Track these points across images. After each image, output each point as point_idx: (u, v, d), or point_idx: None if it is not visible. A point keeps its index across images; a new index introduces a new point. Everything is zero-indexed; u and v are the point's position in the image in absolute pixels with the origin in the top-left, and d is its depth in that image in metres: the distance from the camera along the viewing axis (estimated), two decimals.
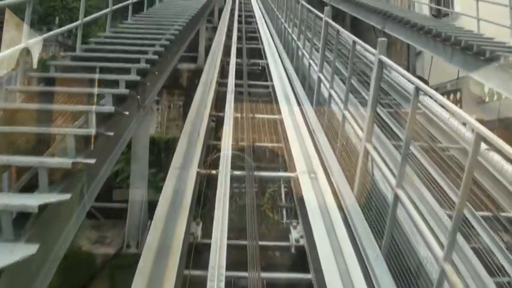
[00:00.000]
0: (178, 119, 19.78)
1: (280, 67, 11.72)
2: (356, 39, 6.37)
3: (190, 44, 12.17)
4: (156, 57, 6.19)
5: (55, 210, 3.41)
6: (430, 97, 4.78)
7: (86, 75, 5.27)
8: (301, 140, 7.09)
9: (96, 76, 5.12)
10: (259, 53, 14.19)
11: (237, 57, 12.72)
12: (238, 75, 10.98)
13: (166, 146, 14.19)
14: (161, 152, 14.12)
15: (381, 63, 5.25)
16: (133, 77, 5.27)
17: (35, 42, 5.15)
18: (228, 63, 12.19)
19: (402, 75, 5.20)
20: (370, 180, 5.63)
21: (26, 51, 5.04)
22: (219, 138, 7.53)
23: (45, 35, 5.71)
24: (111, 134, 4.48)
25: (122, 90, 4.97)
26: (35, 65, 7.41)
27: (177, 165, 5.81)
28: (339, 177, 6.00)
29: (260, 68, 13.01)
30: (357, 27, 21.63)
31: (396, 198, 4.39)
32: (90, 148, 4.10)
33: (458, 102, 12.85)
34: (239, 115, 7.88)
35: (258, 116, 7.94)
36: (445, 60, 10.68)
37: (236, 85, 10.01)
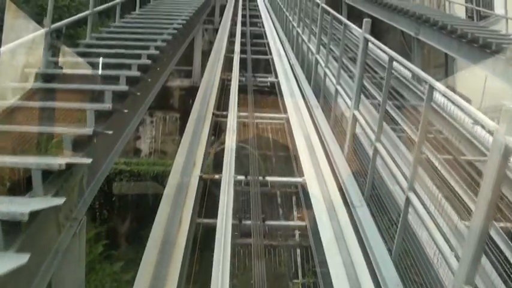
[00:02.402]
0: (174, 133, 17.47)
1: (296, 88, 9.25)
2: (436, 83, 3.94)
3: (181, 57, 9.76)
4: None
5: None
6: None
7: None
8: (338, 232, 4.67)
9: None
10: (267, 65, 11.73)
11: (240, 73, 10.25)
12: (242, 99, 8.52)
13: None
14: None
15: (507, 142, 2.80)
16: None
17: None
18: (229, 80, 9.74)
19: None
20: None
21: None
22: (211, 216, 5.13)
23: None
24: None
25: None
26: None
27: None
28: None
29: (269, 85, 10.58)
30: (375, 28, 19.10)
31: None
32: None
33: None
34: (243, 178, 5.45)
35: (270, 179, 5.50)
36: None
37: (239, 117, 7.57)
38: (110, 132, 3.98)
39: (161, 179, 10.74)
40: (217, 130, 7.17)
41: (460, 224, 4.65)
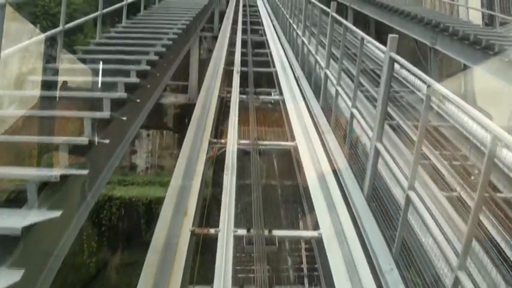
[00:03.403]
0: (172, 147, 16.53)
1: (303, 108, 8.27)
2: (504, 135, 2.92)
3: (176, 71, 8.81)
4: None
5: None
6: None
7: None
8: None
9: None
10: (270, 79, 10.76)
11: (241, 88, 9.29)
12: (243, 121, 7.54)
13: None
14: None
15: None
16: None
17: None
18: (228, 98, 8.78)
19: None
20: None
21: None
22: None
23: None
24: None
25: None
26: None
27: None
28: None
29: (273, 102, 9.62)
30: (383, 34, 18.16)
31: None
32: None
33: None
34: (245, 232, 4.48)
35: (279, 234, 4.51)
36: None
37: (239, 144, 6.59)
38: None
39: (155, 206, 9.78)
40: (215, 162, 6.20)
41: None
